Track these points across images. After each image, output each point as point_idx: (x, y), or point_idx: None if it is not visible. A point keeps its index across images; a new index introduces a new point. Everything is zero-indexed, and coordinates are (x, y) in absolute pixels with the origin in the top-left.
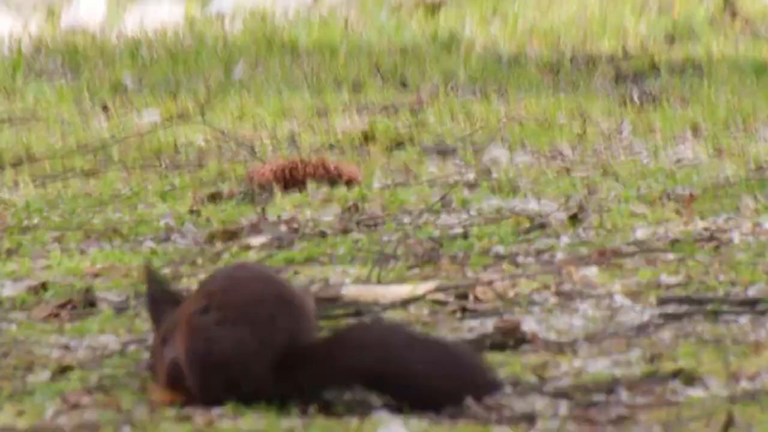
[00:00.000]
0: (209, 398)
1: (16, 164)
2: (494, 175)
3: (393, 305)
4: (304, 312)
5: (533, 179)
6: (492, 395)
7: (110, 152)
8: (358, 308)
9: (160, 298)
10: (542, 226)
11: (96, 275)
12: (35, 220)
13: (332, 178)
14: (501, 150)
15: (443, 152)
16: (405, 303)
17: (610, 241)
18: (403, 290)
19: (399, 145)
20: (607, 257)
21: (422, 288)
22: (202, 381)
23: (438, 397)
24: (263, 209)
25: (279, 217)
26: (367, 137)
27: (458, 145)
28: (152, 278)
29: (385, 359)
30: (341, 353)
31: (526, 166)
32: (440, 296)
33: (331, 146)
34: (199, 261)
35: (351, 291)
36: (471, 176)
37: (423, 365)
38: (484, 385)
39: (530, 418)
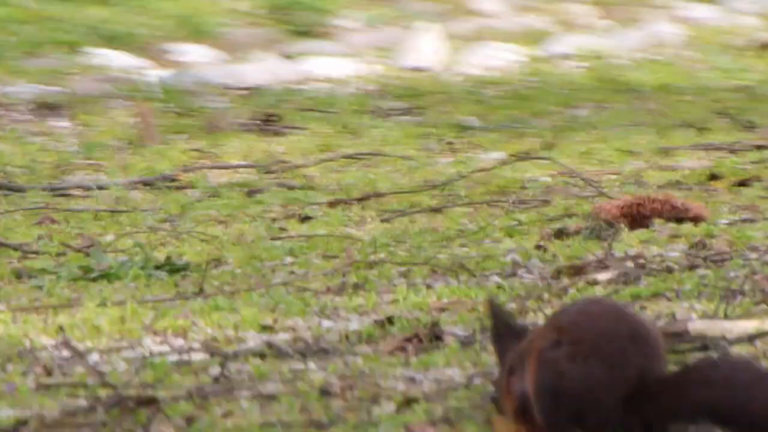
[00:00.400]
0: (557, 429)
1: (363, 200)
2: None
3: (740, 340)
4: (656, 347)
5: None
6: None
7: (456, 188)
8: (704, 343)
9: (505, 331)
10: None
11: (442, 310)
12: (381, 255)
13: (678, 216)
14: None
15: None
16: (752, 338)
17: None
18: (751, 325)
19: (744, 182)
20: None
21: None
22: (549, 415)
23: None
24: (610, 245)
25: (625, 253)
26: (713, 175)
27: None
28: (496, 312)
29: (733, 396)
30: (690, 388)
31: None
32: None
33: (677, 183)
34: (546, 296)
35: (697, 326)
36: None
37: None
38: None
39: None
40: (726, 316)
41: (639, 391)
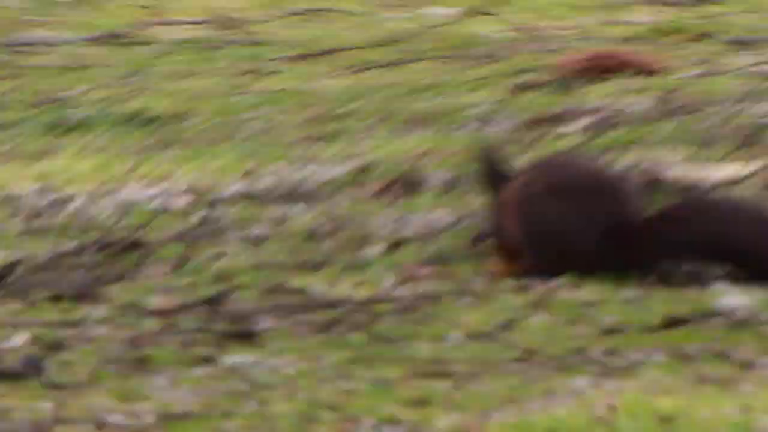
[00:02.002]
0: (543, 267)
1: (327, 54)
2: None
3: (718, 185)
4: (625, 191)
5: None
6: None
7: (413, 44)
8: (684, 189)
9: (494, 174)
10: None
11: (422, 155)
12: (353, 106)
13: (643, 68)
14: None
15: (744, 44)
16: (732, 183)
17: None
18: (730, 170)
19: (703, 36)
20: None
21: (750, 167)
22: (537, 250)
23: None
24: (577, 97)
25: (594, 105)
26: (666, 30)
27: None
28: (486, 155)
29: (715, 231)
30: (670, 228)
31: None
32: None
33: (632, 38)
34: (514, 148)
35: (677, 173)
36: None
37: (754, 236)
38: None
39: None
40: (703, 163)
41: (619, 232)
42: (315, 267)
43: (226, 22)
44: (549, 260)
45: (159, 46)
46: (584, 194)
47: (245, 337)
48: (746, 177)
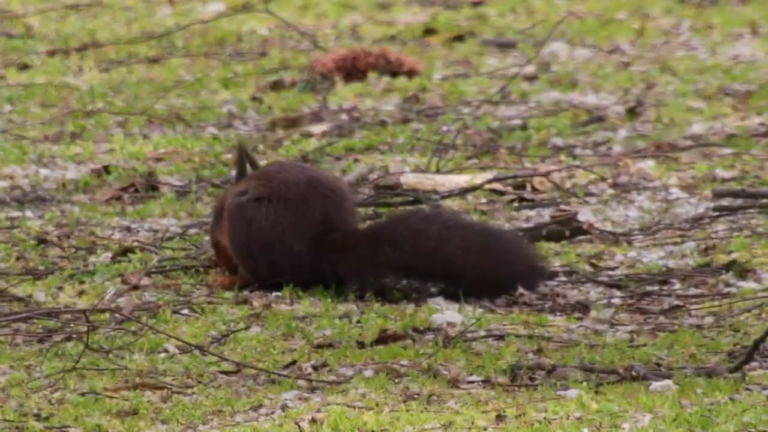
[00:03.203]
0: (257, 279)
1: (81, 50)
2: (553, 68)
3: (451, 194)
4: (341, 197)
5: (592, 73)
6: (538, 283)
7: (174, 40)
8: (416, 197)
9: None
10: (600, 119)
11: (158, 159)
12: (99, 105)
13: (393, 69)
14: (560, 44)
15: (503, 45)
16: (463, 192)
17: (667, 135)
18: (462, 179)
19: (459, 38)
20: (663, 150)
21: (481, 178)
22: (246, 262)
23: (485, 285)
24: (324, 98)
25: (340, 106)
26: (428, 30)
27: (518, 38)
28: (243, 157)
29: (420, 253)
30: (376, 247)
31: (585, 60)
32: (498, 186)
33: (393, 37)
34: (261, 147)
35: (410, 180)
36: (531, 69)
37: (462, 254)
38: (530, 273)
39: (584, 307)
40: (438, 170)
41: (329, 242)
42: (41, 275)
43: None
44: (259, 271)
45: None
46: (295, 203)
47: None
48: (476, 187)
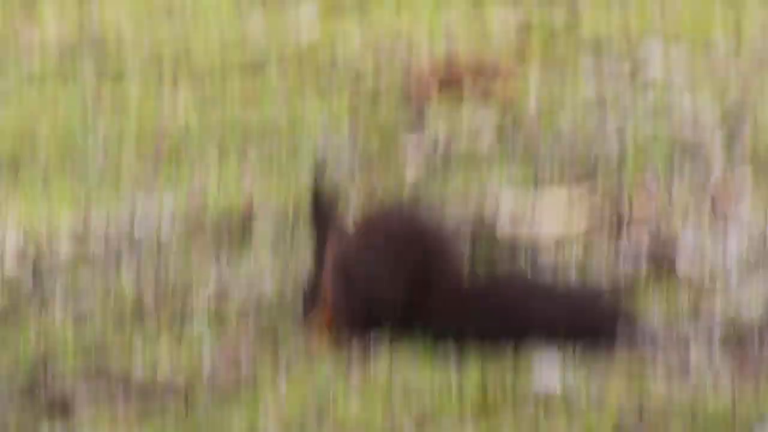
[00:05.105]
0: (350, 326)
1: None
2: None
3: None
4: (442, 250)
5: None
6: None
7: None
8: (512, 248)
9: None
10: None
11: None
12: (194, 144)
13: (489, 75)
14: (656, 43)
15: (598, 44)
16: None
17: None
18: (560, 197)
19: (553, 36)
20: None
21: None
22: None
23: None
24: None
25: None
26: (523, 28)
27: (614, 37)
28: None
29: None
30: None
31: (680, 59)
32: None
33: (486, 38)
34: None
35: (506, 228)
36: (626, 68)
37: (546, 321)
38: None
39: (684, 369)
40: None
41: (426, 294)
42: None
43: None
44: (355, 318)
45: None
46: (395, 254)
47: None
48: (572, 238)
